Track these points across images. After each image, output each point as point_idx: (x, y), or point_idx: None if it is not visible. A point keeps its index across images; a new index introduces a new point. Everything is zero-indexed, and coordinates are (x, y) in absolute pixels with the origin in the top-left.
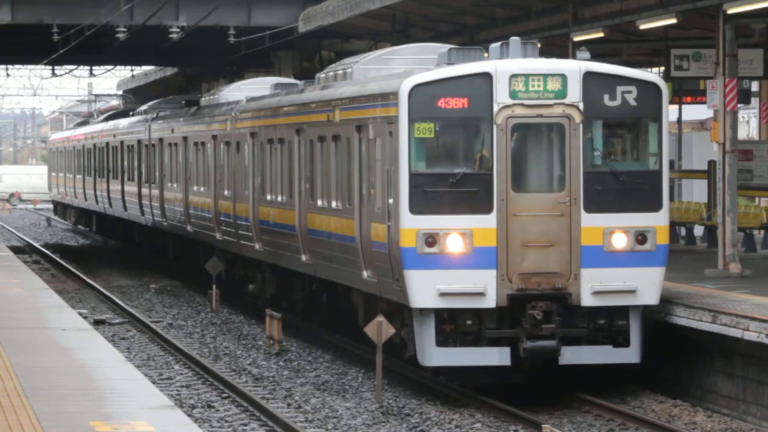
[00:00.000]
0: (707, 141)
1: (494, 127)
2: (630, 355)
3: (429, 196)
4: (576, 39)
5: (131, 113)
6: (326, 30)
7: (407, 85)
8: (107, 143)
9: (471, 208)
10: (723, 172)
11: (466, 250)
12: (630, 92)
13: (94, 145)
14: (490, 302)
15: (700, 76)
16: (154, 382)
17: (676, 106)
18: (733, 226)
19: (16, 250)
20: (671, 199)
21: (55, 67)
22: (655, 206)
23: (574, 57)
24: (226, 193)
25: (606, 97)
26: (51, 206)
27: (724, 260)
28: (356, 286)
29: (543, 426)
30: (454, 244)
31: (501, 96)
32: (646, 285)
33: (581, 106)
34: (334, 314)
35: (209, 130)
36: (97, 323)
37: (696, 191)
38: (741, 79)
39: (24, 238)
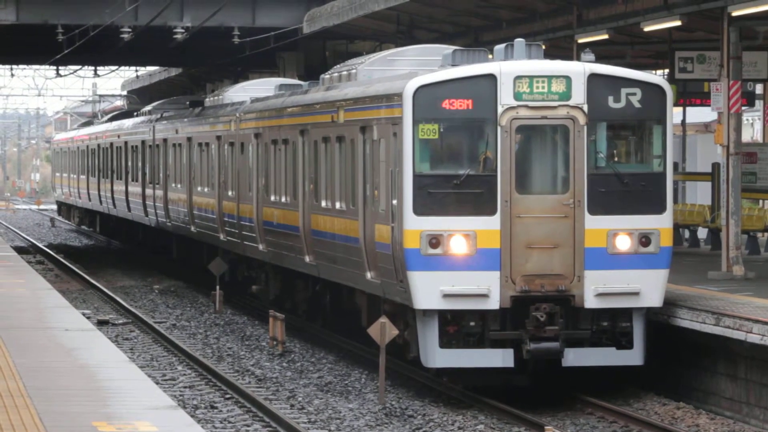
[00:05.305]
0: (711, 143)
1: (498, 128)
2: (633, 357)
3: (433, 197)
4: (580, 41)
5: (135, 114)
6: (331, 31)
7: (412, 86)
8: (111, 144)
9: (475, 209)
10: (727, 175)
11: (469, 251)
12: (634, 94)
13: (98, 145)
14: (493, 304)
15: (704, 79)
16: (157, 383)
17: (680, 108)
18: (736, 228)
19: (19, 250)
20: (675, 201)
21: (60, 68)
22: (659, 208)
23: (578, 59)
24: (230, 193)
25: (610, 99)
26: (55, 207)
27: (728, 262)
28: (360, 287)
29: (546, 428)
30: (458, 246)
31: (505, 97)
32: (650, 287)
33: (585, 107)
34: (337, 315)
35: (213, 131)
36: (101, 323)
37: (700, 193)
38: (745, 81)
39: (28, 238)
